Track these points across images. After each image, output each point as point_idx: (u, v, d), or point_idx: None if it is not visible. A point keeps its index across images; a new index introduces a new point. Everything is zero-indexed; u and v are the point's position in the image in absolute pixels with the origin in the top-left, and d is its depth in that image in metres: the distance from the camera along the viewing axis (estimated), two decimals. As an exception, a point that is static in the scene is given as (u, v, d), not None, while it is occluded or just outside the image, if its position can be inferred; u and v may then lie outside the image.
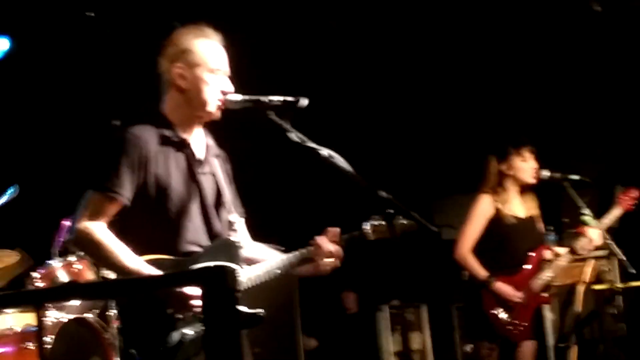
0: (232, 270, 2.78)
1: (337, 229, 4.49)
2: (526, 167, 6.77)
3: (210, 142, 4.56)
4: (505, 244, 6.71)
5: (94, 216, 4.16)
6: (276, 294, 7.26)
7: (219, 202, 4.46)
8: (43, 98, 8.77)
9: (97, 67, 8.34)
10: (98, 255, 4.20)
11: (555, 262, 6.78)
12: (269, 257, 4.54)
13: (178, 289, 4.06)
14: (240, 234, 4.59)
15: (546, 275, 6.72)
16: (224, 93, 4.35)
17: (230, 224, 4.49)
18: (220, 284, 2.70)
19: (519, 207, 6.81)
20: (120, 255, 4.13)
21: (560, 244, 7.98)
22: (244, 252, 4.54)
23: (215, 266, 3.98)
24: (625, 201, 6.90)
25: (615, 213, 6.88)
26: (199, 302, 4.07)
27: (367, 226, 4.61)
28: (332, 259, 4.45)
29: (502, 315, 6.61)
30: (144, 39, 7.04)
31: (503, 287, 6.59)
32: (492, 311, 6.61)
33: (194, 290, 4.08)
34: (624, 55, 9.17)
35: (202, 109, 4.37)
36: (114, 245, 4.14)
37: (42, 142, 8.88)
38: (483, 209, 6.76)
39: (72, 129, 8.75)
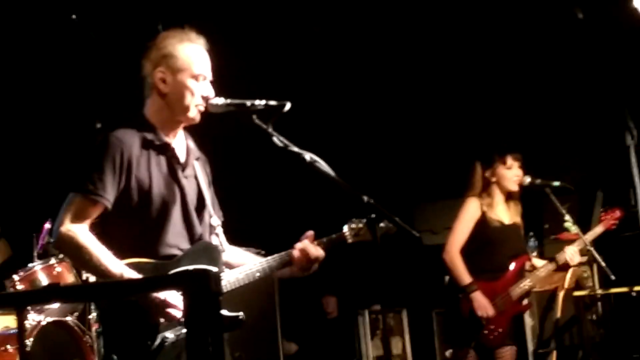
0: (216, 274, 2.77)
1: (312, 232, 4.54)
2: (510, 174, 6.78)
3: (192, 144, 4.55)
4: (488, 248, 6.73)
5: (76, 219, 4.14)
6: (256, 298, 7.26)
7: (200, 205, 4.46)
8: (24, 101, 8.73)
9: (80, 69, 8.31)
10: (80, 258, 4.16)
11: (535, 273, 6.80)
12: (245, 261, 4.55)
13: (159, 298, 4.06)
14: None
15: (526, 284, 6.74)
16: (206, 98, 4.35)
17: (212, 227, 4.50)
18: (203, 288, 2.69)
19: (504, 213, 6.83)
20: (103, 258, 4.10)
21: (541, 250, 8.03)
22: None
23: (199, 270, 3.98)
24: (607, 220, 6.95)
25: (597, 231, 6.93)
26: (178, 312, 4.08)
27: (346, 229, 4.65)
28: (313, 262, 4.50)
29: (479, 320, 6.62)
30: (127, 42, 7.03)
31: (478, 299, 6.60)
32: (470, 316, 6.62)
33: (174, 299, 4.07)
34: (605, 62, 9.20)
35: (183, 114, 4.36)
36: (96, 249, 4.11)
37: (23, 145, 8.84)
38: (471, 211, 6.77)
39: (54, 132, 8.73)
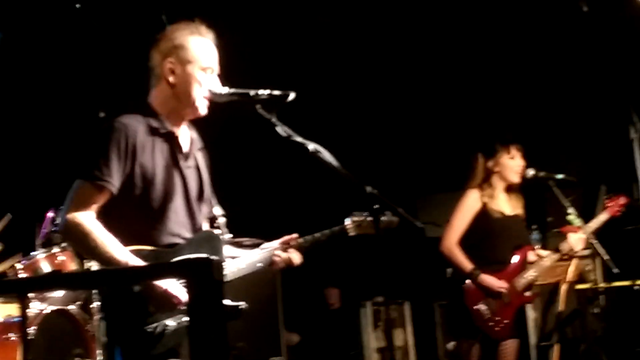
0: (219, 263, 2.77)
1: (296, 235, 4.65)
2: (513, 164, 6.77)
3: (194, 135, 4.56)
4: (490, 240, 6.71)
5: (82, 206, 4.14)
6: (259, 289, 7.27)
7: (201, 195, 4.47)
8: (29, 90, 8.73)
9: (83, 58, 8.31)
10: (86, 245, 4.15)
11: (539, 262, 6.78)
12: (246, 252, 4.59)
13: (160, 287, 4.07)
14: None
15: (530, 274, 6.73)
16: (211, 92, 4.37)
17: (214, 218, 4.51)
18: (206, 276, 2.69)
19: (505, 204, 6.81)
20: (108, 246, 4.11)
21: (544, 243, 8.02)
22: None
23: (201, 258, 3.98)
24: (612, 207, 6.92)
25: (601, 218, 6.90)
26: (178, 302, 4.09)
27: (348, 222, 4.66)
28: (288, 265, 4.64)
29: (485, 311, 6.61)
30: (131, 31, 7.03)
31: (488, 279, 6.59)
32: (475, 307, 6.61)
33: (175, 289, 4.08)
34: (609, 56, 9.19)
35: (190, 106, 4.38)
36: (102, 236, 4.12)
37: (26, 134, 8.84)
38: (470, 203, 6.76)
39: (57, 121, 8.72)
